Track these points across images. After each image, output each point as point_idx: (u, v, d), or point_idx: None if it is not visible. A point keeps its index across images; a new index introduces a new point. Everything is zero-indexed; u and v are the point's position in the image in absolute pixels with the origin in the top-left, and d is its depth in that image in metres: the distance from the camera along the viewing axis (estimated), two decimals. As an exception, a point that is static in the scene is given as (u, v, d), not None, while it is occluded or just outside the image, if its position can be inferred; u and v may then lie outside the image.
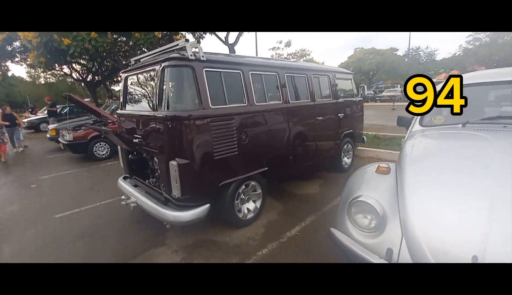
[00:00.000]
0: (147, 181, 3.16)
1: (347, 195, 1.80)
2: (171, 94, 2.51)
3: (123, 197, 2.99)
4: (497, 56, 21.48)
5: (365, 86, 5.18)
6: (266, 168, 3.15)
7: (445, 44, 79.67)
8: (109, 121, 7.10)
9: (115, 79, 24.84)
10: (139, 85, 3.03)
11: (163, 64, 2.47)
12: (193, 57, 2.47)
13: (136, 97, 3.12)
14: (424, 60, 28.07)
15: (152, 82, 2.70)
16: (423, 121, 2.48)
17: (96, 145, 6.72)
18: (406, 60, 27.62)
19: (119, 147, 3.49)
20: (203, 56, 2.54)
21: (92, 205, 3.93)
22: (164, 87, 2.46)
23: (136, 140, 2.87)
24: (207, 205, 2.61)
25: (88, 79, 21.09)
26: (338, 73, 4.60)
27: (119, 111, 3.35)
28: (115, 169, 5.93)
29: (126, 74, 3.20)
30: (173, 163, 2.40)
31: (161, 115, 2.43)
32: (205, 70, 2.56)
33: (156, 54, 2.88)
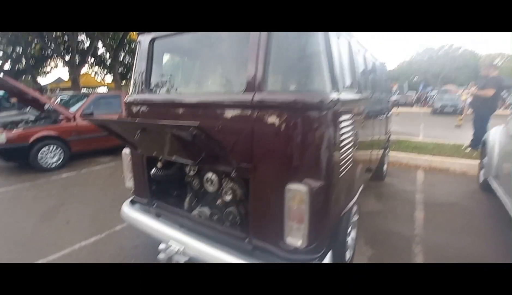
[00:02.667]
0: (193, 212, 1.92)
1: None
2: (285, 66, 1.41)
3: (161, 246, 1.69)
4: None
5: None
6: (363, 184, 2.25)
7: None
8: (61, 117, 5.20)
9: (40, 70, 20.45)
10: (196, 54, 1.80)
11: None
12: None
13: (184, 74, 1.87)
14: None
15: (237, 45, 1.55)
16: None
17: (43, 150, 4.79)
18: None
19: (127, 152, 2.13)
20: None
21: (67, 250, 2.41)
22: (273, 52, 1.36)
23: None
24: (330, 253, 1.58)
25: (5, 68, 16.93)
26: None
27: (133, 97, 2.03)
28: (81, 182, 4.19)
29: (153, 36, 1.92)
30: (298, 188, 1.31)
31: (272, 99, 1.32)
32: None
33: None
